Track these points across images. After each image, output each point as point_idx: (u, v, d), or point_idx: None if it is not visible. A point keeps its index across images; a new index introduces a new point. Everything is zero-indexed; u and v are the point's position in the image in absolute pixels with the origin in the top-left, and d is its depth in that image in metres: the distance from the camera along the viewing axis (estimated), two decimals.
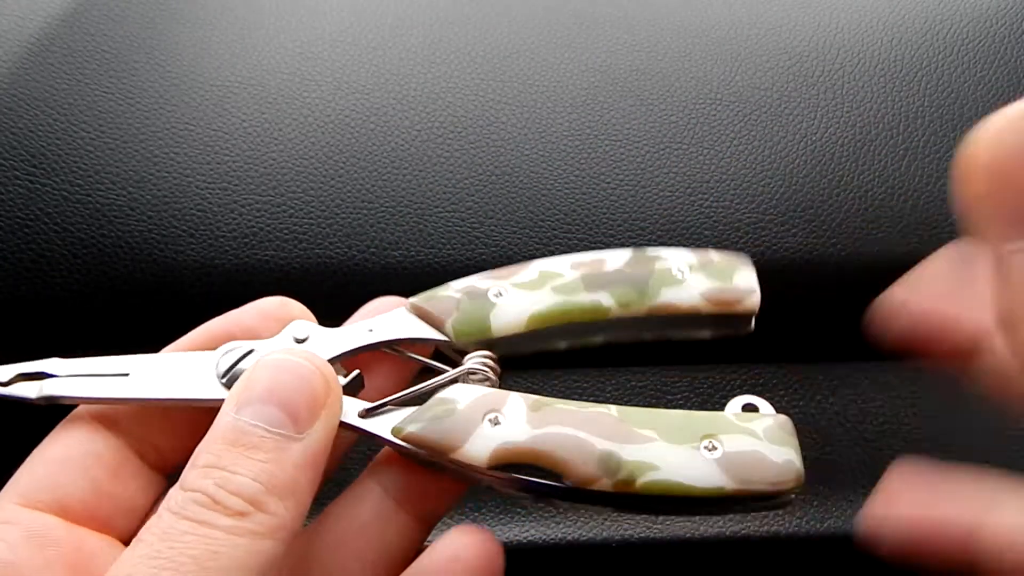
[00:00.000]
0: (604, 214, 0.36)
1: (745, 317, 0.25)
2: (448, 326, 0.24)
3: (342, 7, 0.42)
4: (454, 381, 0.24)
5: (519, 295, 0.24)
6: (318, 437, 0.21)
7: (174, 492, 0.20)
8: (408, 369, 0.26)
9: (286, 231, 0.34)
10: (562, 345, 0.25)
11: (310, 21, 0.41)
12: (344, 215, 0.35)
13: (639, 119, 0.38)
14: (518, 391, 0.23)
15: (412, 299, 0.25)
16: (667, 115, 0.38)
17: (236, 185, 0.35)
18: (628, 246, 0.36)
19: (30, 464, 0.24)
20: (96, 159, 0.34)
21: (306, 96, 0.37)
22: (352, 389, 0.24)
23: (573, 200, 0.36)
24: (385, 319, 0.25)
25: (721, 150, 0.38)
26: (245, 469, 0.20)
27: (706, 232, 0.36)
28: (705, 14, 0.43)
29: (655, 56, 0.40)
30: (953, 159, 0.41)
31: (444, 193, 0.35)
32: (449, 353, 0.25)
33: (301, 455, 0.20)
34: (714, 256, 0.25)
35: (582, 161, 0.37)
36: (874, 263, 0.37)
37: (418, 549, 0.24)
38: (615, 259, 0.25)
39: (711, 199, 0.37)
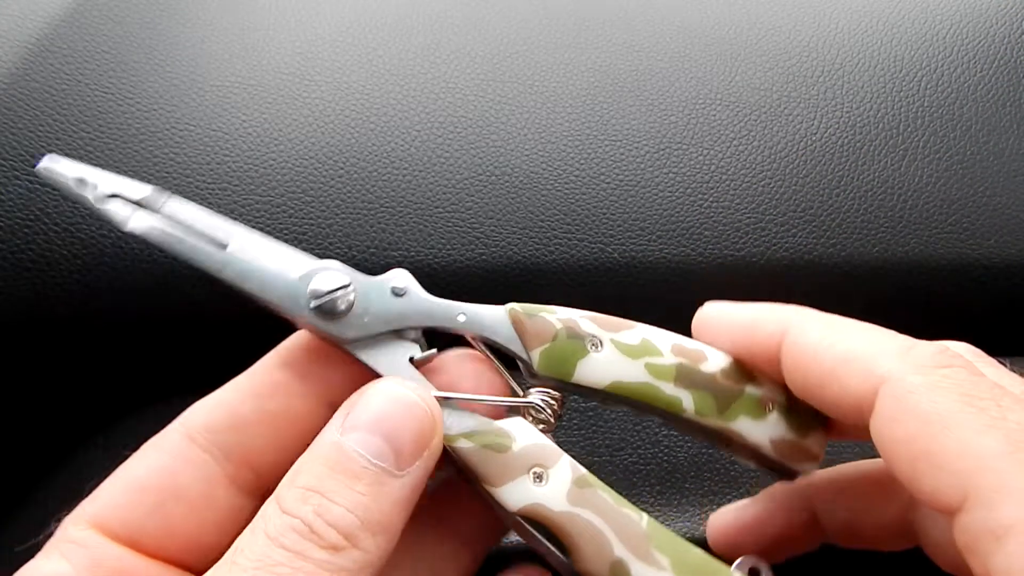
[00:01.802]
0: (604, 214, 0.36)
1: (794, 474, 0.25)
2: (536, 353, 0.24)
3: (342, 7, 0.41)
4: (517, 410, 0.24)
5: (613, 357, 0.24)
6: (417, 476, 0.21)
7: (272, 511, 0.20)
8: (478, 362, 0.25)
9: (286, 231, 0.34)
10: (623, 409, 0.25)
11: (310, 21, 0.41)
12: (344, 215, 0.35)
13: (639, 119, 0.38)
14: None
15: (514, 307, 0.24)
16: (667, 115, 0.38)
17: (236, 185, 0.35)
18: (628, 246, 0.36)
19: (112, 485, 0.23)
20: (96, 159, 0.34)
21: (306, 96, 0.37)
22: (422, 363, 0.24)
23: (573, 200, 0.36)
24: (481, 312, 0.24)
25: (721, 150, 0.38)
26: (344, 499, 0.20)
27: (706, 232, 0.36)
28: (705, 14, 0.43)
29: (655, 56, 0.40)
30: (953, 159, 0.41)
31: (444, 193, 0.35)
32: (524, 371, 0.25)
33: (399, 493, 0.20)
34: (803, 405, 0.25)
35: (582, 161, 0.37)
36: (874, 263, 0.37)
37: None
38: (716, 361, 0.25)
39: (711, 199, 0.37)
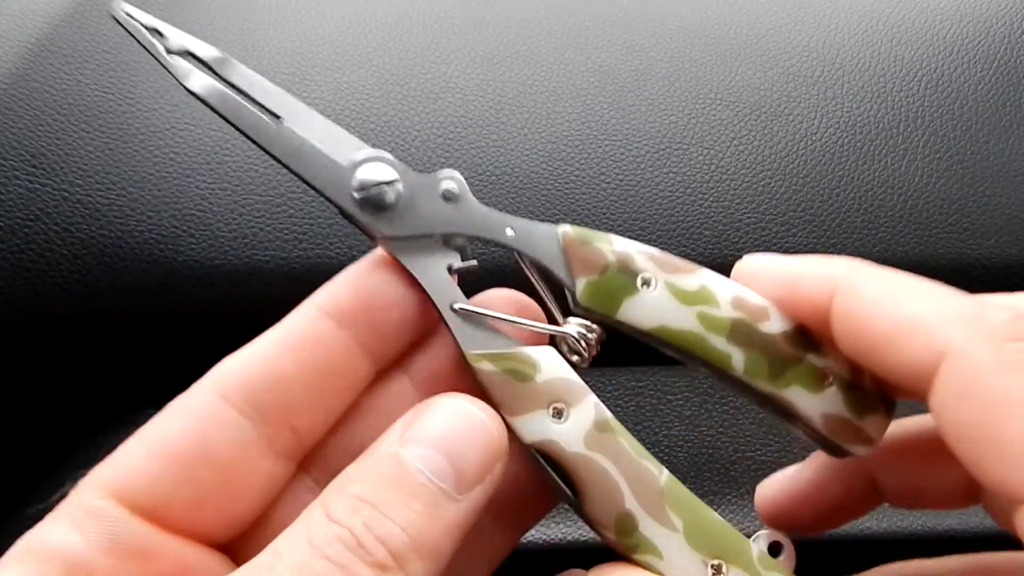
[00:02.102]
0: (604, 214, 0.36)
1: (843, 452, 0.23)
2: (582, 282, 0.22)
3: (342, 8, 0.42)
4: (552, 340, 0.23)
5: (664, 299, 0.23)
6: (475, 502, 0.19)
7: (318, 517, 0.18)
8: (520, 302, 0.23)
9: (286, 231, 0.34)
10: (668, 353, 0.24)
11: (310, 21, 0.41)
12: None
13: (639, 119, 0.38)
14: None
15: (567, 230, 0.23)
16: (667, 115, 0.38)
17: (236, 185, 0.35)
18: None
19: (135, 450, 0.20)
20: (96, 159, 0.34)
21: (306, 96, 0.37)
22: (461, 273, 0.23)
23: (573, 200, 0.36)
24: (532, 229, 0.23)
25: (721, 150, 0.38)
26: (397, 515, 0.18)
27: (706, 232, 0.36)
28: (705, 14, 0.43)
29: (655, 56, 0.40)
30: (953, 159, 0.41)
31: None
32: (569, 298, 0.23)
33: (454, 517, 0.19)
34: (869, 381, 0.23)
35: (582, 161, 0.37)
36: (874, 263, 0.37)
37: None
38: (779, 322, 0.23)
39: (711, 199, 0.37)
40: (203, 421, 0.21)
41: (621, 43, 0.41)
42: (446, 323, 0.22)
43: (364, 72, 0.39)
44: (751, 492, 0.34)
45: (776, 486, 0.25)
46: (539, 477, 0.22)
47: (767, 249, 0.36)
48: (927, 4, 0.44)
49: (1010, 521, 0.17)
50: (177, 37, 0.23)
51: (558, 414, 0.21)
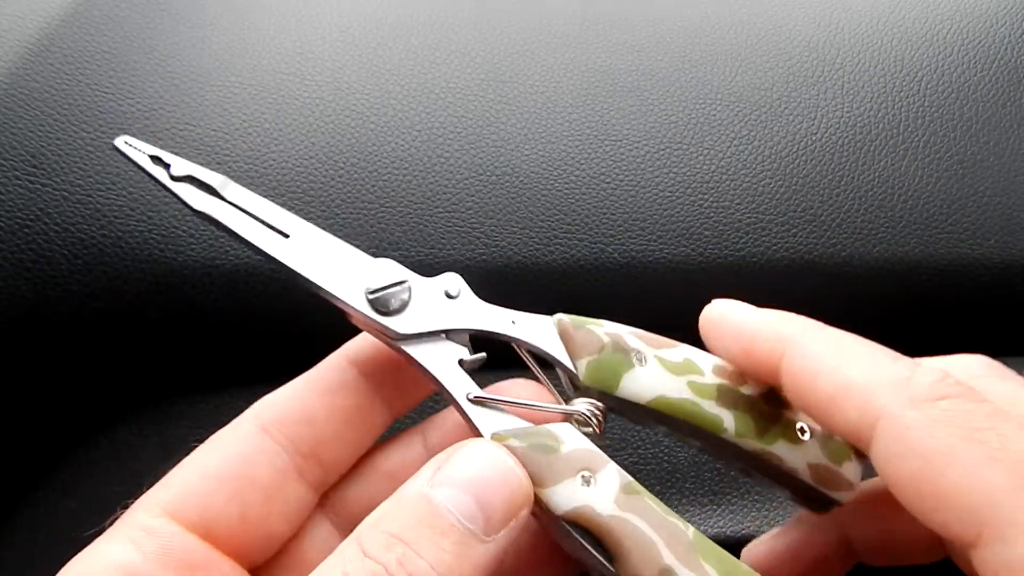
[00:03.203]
0: (604, 214, 0.36)
1: (828, 503, 0.25)
2: (583, 364, 0.24)
3: (342, 8, 0.42)
4: (566, 417, 0.24)
5: (657, 372, 0.24)
6: (501, 545, 0.20)
7: (352, 553, 0.19)
8: (531, 385, 0.25)
9: None
10: (661, 429, 0.25)
11: (311, 21, 0.41)
12: (344, 215, 0.35)
13: (639, 119, 0.38)
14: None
15: (562, 317, 0.25)
16: (667, 115, 0.38)
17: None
18: (628, 246, 0.36)
19: (185, 471, 0.23)
20: (96, 159, 0.34)
21: (306, 96, 0.37)
22: (471, 366, 0.24)
23: (573, 200, 0.36)
24: (529, 321, 0.25)
25: (721, 150, 0.38)
26: (429, 554, 0.19)
27: (706, 232, 0.36)
28: (705, 14, 0.43)
29: (655, 56, 0.40)
30: (953, 159, 0.41)
31: (444, 193, 0.35)
32: (566, 382, 0.25)
33: (482, 558, 0.20)
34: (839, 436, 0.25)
35: (582, 161, 0.37)
36: (874, 263, 0.37)
37: None
38: (755, 384, 0.25)
39: (711, 199, 0.37)
40: (247, 448, 0.23)
41: (621, 43, 0.41)
42: (463, 412, 0.23)
43: (364, 72, 0.39)
44: (751, 494, 0.34)
45: (761, 548, 0.27)
46: (563, 556, 0.23)
47: (767, 249, 0.36)
48: (927, 4, 0.44)
49: (970, 567, 0.18)
50: (180, 164, 0.24)
51: (587, 482, 0.22)
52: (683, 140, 0.38)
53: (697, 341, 0.26)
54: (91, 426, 0.34)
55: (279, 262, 0.23)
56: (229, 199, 0.24)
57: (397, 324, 0.23)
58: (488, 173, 0.36)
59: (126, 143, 0.24)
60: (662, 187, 0.37)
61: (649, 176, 0.37)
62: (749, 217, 0.36)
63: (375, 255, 0.24)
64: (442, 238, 0.35)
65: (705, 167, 0.37)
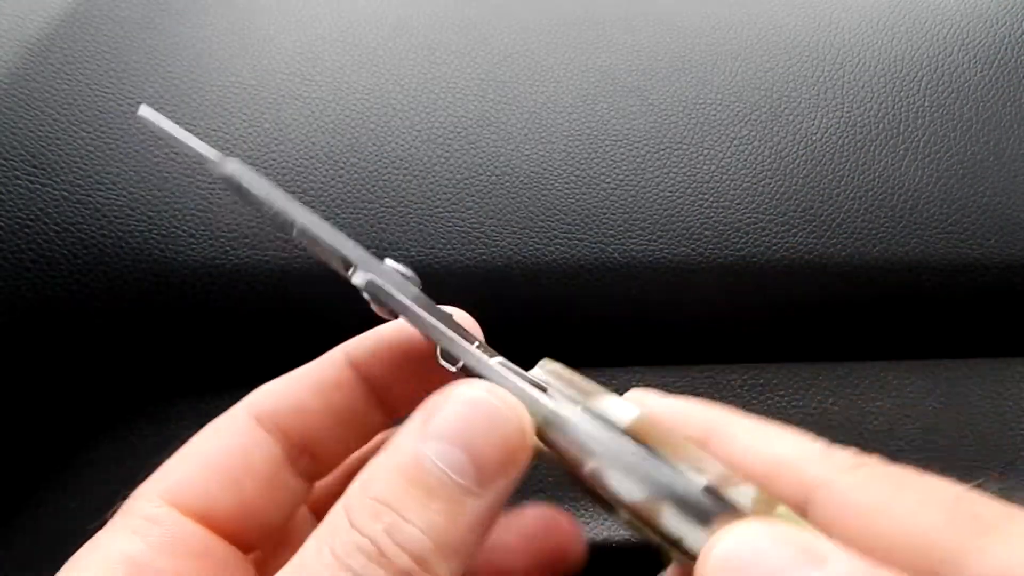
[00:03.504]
0: (604, 214, 0.36)
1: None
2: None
3: (342, 8, 0.41)
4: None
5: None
6: (498, 496, 0.19)
7: (341, 524, 0.19)
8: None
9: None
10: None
11: (310, 21, 0.41)
12: (344, 215, 0.35)
13: (639, 119, 0.38)
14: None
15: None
16: (667, 115, 0.38)
17: None
18: (628, 246, 0.36)
19: (183, 459, 0.23)
20: (96, 159, 0.34)
21: (306, 96, 0.37)
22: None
23: (573, 200, 0.36)
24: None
25: (721, 150, 0.38)
26: (418, 518, 0.18)
27: (706, 232, 0.36)
28: (705, 14, 0.43)
29: (655, 56, 0.40)
30: (953, 159, 0.41)
31: (444, 193, 0.35)
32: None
33: (476, 513, 0.19)
34: None
35: (582, 161, 0.37)
36: (874, 263, 0.37)
37: None
38: None
39: (711, 199, 0.37)
40: (242, 437, 0.23)
41: (621, 43, 0.41)
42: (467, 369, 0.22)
43: (364, 72, 0.39)
44: None
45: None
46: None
47: (767, 249, 0.36)
48: (927, 4, 0.44)
49: None
50: (188, 138, 0.23)
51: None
52: (683, 140, 0.38)
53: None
54: (91, 426, 0.34)
55: (297, 220, 0.22)
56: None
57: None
58: (488, 173, 0.36)
59: (148, 115, 0.23)
60: (662, 187, 0.37)
61: (649, 176, 0.37)
62: (749, 217, 0.36)
63: (375, 255, 0.24)
64: (442, 238, 0.35)
65: (705, 167, 0.37)
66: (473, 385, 0.20)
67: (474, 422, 0.19)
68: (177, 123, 0.24)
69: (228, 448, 0.23)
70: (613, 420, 0.20)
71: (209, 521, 0.22)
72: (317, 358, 0.25)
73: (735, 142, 0.38)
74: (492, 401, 0.20)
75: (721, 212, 0.36)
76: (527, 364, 0.24)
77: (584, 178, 0.36)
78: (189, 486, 0.22)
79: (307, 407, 0.23)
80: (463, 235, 0.35)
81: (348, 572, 0.18)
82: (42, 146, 0.34)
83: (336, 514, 0.19)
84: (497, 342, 0.24)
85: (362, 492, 0.19)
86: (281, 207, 0.22)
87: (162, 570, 0.20)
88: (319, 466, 0.24)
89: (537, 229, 0.35)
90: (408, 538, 0.18)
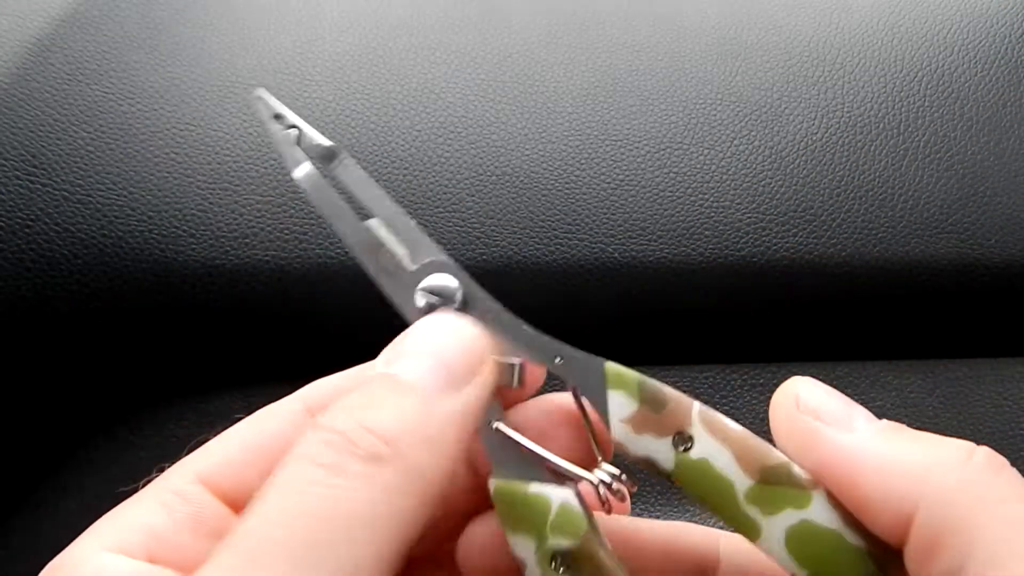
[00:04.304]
0: (604, 214, 0.36)
1: None
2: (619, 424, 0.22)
3: (342, 8, 0.42)
4: (573, 480, 0.22)
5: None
6: (471, 398, 0.19)
7: (309, 432, 0.18)
8: (565, 420, 0.23)
9: (286, 231, 0.34)
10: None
11: (310, 21, 0.41)
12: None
13: (639, 119, 0.38)
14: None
15: (611, 366, 0.22)
16: (667, 115, 0.38)
17: (236, 185, 0.35)
18: (628, 246, 0.36)
19: (224, 440, 0.22)
20: (96, 159, 0.34)
21: (306, 96, 0.37)
22: (510, 395, 0.23)
23: (573, 200, 0.36)
24: (577, 358, 0.22)
25: (721, 150, 0.38)
26: (390, 408, 0.18)
27: (706, 232, 0.36)
28: (705, 14, 0.43)
29: (655, 56, 0.40)
30: (953, 159, 0.41)
31: (444, 193, 0.35)
32: (597, 435, 0.23)
33: (451, 409, 0.19)
34: None
35: (582, 161, 0.37)
36: (874, 263, 0.37)
37: None
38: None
39: (711, 199, 0.37)
40: (288, 425, 0.22)
41: (621, 43, 0.41)
42: (483, 438, 0.22)
43: (365, 72, 0.39)
44: None
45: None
46: None
47: (767, 249, 0.36)
48: (928, 4, 0.44)
49: None
50: (298, 127, 0.24)
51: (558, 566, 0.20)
52: (683, 140, 0.38)
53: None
54: (91, 426, 0.34)
55: (345, 243, 0.23)
56: (332, 169, 0.24)
57: None
58: (489, 173, 0.36)
59: (258, 97, 0.24)
60: (662, 187, 0.37)
61: (649, 176, 0.37)
62: (749, 217, 0.36)
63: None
64: (442, 238, 0.35)
65: (705, 167, 0.37)
66: (433, 313, 0.21)
67: (439, 336, 0.20)
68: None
69: (271, 435, 0.22)
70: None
71: (238, 505, 0.21)
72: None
73: (735, 142, 0.38)
74: (454, 319, 0.21)
75: (721, 212, 0.36)
76: None
77: (584, 178, 0.36)
78: (225, 467, 0.21)
79: None
80: (463, 235, 0.35)
81: (319, 469, 0.17)
82: (42, 146, 0.34)
83: (307, 425, 0.19)
84: None
85: (332, 407, 0.19)
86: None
87: (181, 545, 0.20)
88: None
89: (537, 229, 0.35)
90: (377, 422, 0.18)
